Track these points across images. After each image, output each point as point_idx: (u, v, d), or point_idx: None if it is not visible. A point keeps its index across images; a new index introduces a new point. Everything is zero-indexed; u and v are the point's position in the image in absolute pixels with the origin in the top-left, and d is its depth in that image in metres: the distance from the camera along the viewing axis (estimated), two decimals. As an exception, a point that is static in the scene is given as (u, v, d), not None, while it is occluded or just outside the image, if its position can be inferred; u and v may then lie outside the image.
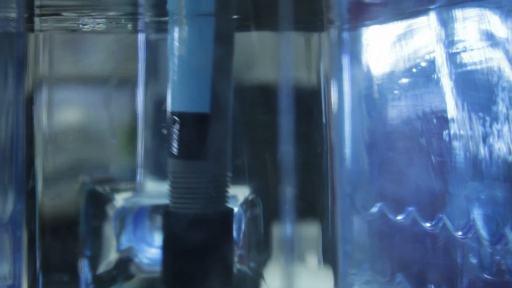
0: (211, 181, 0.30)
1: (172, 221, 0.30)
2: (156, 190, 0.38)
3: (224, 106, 0.30)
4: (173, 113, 0.30)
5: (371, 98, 0.37)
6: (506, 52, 0.26)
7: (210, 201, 0.30)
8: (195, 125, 0.30)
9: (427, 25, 0.31)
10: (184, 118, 0.30)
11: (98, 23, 0.35)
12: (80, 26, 0.36)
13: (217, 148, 0.30)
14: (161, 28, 0.37)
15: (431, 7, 0.31)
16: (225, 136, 0.30)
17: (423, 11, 0.31)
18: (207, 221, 0.30)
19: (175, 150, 0.30)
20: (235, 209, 0.38)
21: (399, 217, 0.34)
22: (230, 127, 0.30)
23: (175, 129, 0.30)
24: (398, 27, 0.34)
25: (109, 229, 0.37)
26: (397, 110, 0.34)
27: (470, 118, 0.28)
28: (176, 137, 0.30)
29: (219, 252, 0.30)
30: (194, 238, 0.30)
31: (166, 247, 0.31)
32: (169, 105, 0.30)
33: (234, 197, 0.38)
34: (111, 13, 0.34)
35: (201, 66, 0.29)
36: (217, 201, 0.30)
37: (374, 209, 0.36)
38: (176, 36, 0.30)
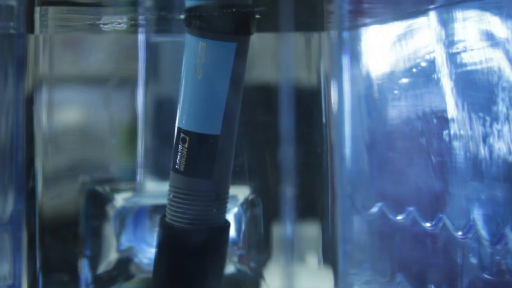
0: (214, 199, 0.30)
1: (169, 233, 0.31)
2: (156, 190, 0.38)
3: (232, 128, 0.30)
4: (182, 131, 0.30)
5: (371, 98, 0.37)
6: (506, 52, 0.26)
7: (210, 217, 0.31)
8: (204, 146, 0.30)
9: (427, 25, 0.31)
10: (194, 137, 0.30)
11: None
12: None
13: (222, 167, 0.30)
14: (162, 28, 0.37)
15: (431, 7, 0.31)
16: (231, 156, 0.31)
17: (423, 11, 0.31)
18: (205, 236, 0.31)
19: (181, 166, 0.30)
20: (235, 209, 0.38)
21: (399, 217, 0.34)
22: (234, 147, 0.31)
23: (184, 146, 0.30)
24: (398, 27, 0.34)
25: (109, 229, 0.38)
26: (397, 110, 0.34)
27: (470, 118, 0.28)
28: (183, 154, 0.30)
29: (212, 265, 0.31)
30: (190, 252, 0.31)
31: (159, 258, 0.32)
32: (179, 121, 0.31)
33: (234, 197, 0.38)
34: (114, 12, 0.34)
35: (217, 89, 0.30)
36: (216, 217, 0.31)
37: (374, 209, 0.36)
38: (194, 58, 0.30)
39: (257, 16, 0.31)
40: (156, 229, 0.32)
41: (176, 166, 0.31)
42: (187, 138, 0.30)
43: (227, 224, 0.31)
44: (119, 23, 0.35)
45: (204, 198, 0.30)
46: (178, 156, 0.31)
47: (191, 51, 0.30)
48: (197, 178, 0.30)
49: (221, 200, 0.31)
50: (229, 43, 0.30)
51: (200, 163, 0.30)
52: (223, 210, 0.31)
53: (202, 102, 0.30)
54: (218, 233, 0.31)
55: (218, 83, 0.30)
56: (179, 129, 0.31)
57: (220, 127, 0.30)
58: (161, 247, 0.32)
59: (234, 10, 0.30)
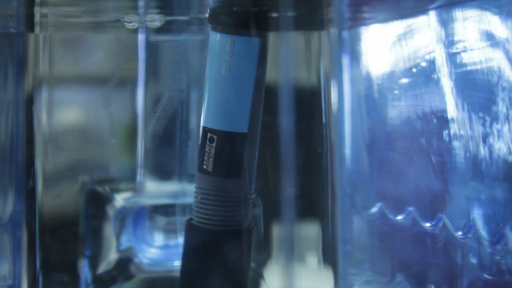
0: (242, 199, 0.30)
1: (199, 236, 0.31)
2: (156, 190, 0.38)
3: (257, 125, 0.30)
4: (209, 130, 0.30)
5: (371, 98, 0.37)
6: (506, 52, 0.26)
7: (239, 218, 0.30)
8: (233, 144, 0.30)
9: (427, 25, 0.31)
10: (222, 136, 0.30)
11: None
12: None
13: (249, 166, 0.30)
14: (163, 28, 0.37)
15: (431, 7, 0.31)
16: (255, 155, 0.30)
17: (423, 11, 0.31)
18: (235, 237, 0.30)
19: (209, 167, 0.30)
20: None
21: (399, 217, 0.34)
22: (258, 145, 0.31)
23: (211, 146, 0.30)
24: (398, 27, 0.34)
25: (109, 229, 0.37)
26: (397, 110, 0.34)
27: (470, 118, 0.28)
28: (211, 153, 0.30)
29: (239, 268, 0.31)
30: (217, 254, 0.30)
31: (189, 261, 0.31)
32: (205, 121, 0.30)
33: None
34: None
35: (245, 86, 0.30)
36: (244, 218, 0.31)
37: (374, 209, 0.36)
38: (223, 55, 0.30)
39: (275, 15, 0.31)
40: (183, 233, 0.32)
41: (204, 167, 0.30)
42: (215, 137, 0.30)
43: (252, 226, 0.31)
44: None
45: (234, 198, 0.30)
46: (206, 156, 0.30)
47: (218, 49, 0.30)
48: (226, 178, 0.30)
49: (248, 200, 0.31)
50: (255, 38, 0.30)
51: (229, 162, 0.30)
52: (249, 210, 0.31)
53: (231, 100, 0.30)
54: (246, 234, 0.31)
55: (246, 80, 0.30)
56: (205, 128, 0.30)
57: (248, 124, 0.30)
58: (190, 249, 0.31)
59: (258, 5, 0.30)
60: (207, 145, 0.30)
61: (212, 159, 0.30)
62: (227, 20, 0.30)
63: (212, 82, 0.30)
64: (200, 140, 0.31)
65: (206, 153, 0.30)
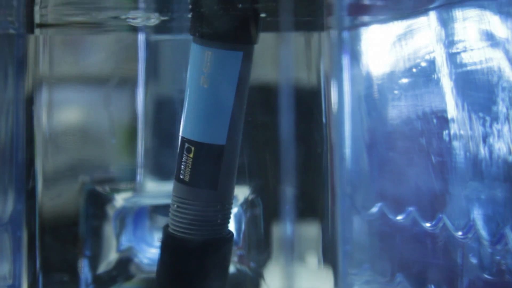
0: (219, 209, 0.30)
1: (173, 244, 0.31)
2: (156, 190, 0.38)
3: (237, 137, 0.30)
4: (187, 140, 0.30)
5: (371, 98, 0.37)
6: (506, 52, 0.26)
7: (215, 228, 0.30)
8: (210, 156, 0.30)
9: (427, 25, 0.31)
10: (199, 147, 0.30)
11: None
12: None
13: (227, 177, 0.30)
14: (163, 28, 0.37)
15: (431, 7, 0.31)
16: (235, 166, 0.30)
17: (423, 11, 0.31)
18: (210, 247, 0.30)
19: (186, 176, 0.30)
20: (235, 209, 0.38)
21: (399, 217, 0.34)
22: (238, 156, 0.31)
23: (189, 156, 0.30)
24: (398, 27, 0.34)
25: (109, 229, 0.38)
26: (397, 110, 0.34)
27: (470, 118, 0.28)
28: (188, 164, 0.30)
29: (216, 276, 0.31)
30: (194, 263, 0.30)
31: (163, 268, 0.31)
32: (183, 131, 0.30)
33: (234, 197, 0.38)
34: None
35: (224, 99, 0.30)
36: (221, 228, 0.31)
37: (374, 209, 0.36)
38: (201, 67, 0.30)
39: (263, 15, 0.31)
40: (159, 238, 0.32)
41: (181, 176, 0.30)
42: (192, 148, 0.30)
43: (230, 235, 0.31)
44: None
45: (209, 209, 0.30)
46: (183, 166, 0.30)
47: (197, 60, 0.30)
48: (202, 189, 0.30)
49: (225, 211, 0.31)
50: (235, 52, 0.29)
51: (205, 173, 0.30)
52: (227, 220, 0.31)
53: (208, 112, 0.30)
54: (223, 244, 0.31)
55: (224, 93, 0.30)
56: (183, 138, 0.30)
57: (226, 137, 0.30)
58: (164, 257, 0.31)
59: (240, 18, 0.30)
60: (184, 155, 0.30)
61: (189, 169, 0.30)
62: (205, 33, 0.29)
63: (191, 93, 0.30)
64: (178, 149, 0.31)
65: (183, 163, 0.30)
